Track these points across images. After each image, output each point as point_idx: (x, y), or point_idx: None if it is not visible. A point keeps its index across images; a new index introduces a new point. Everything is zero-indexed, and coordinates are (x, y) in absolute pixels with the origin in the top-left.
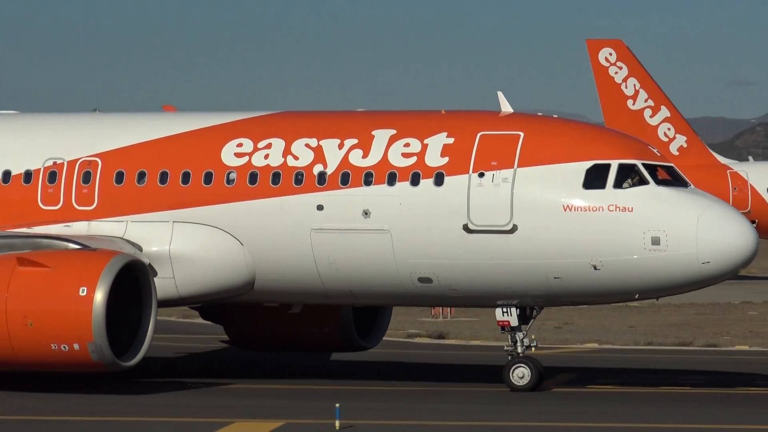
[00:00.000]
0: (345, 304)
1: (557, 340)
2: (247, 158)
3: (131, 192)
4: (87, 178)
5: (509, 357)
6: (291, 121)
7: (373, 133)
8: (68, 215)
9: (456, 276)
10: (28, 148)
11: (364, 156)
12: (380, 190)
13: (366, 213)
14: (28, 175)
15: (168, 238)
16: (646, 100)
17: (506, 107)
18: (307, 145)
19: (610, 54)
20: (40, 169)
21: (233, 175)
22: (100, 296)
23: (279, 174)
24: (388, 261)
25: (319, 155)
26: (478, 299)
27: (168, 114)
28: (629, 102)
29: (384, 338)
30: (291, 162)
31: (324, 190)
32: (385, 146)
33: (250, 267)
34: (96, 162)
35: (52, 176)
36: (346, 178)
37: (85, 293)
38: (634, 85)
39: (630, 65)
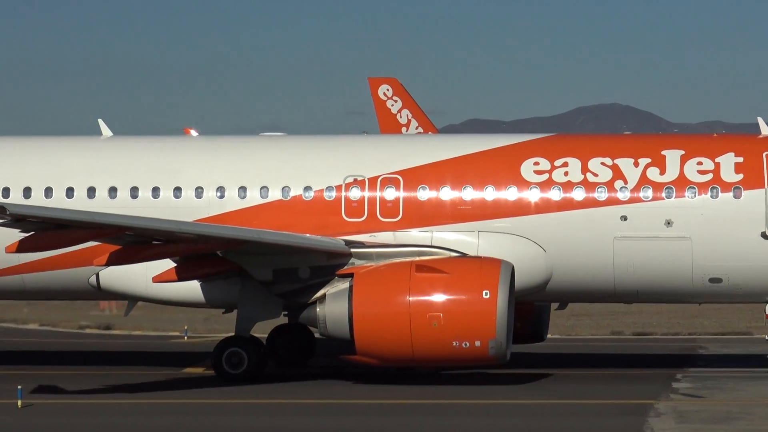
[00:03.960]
0: (619, 301)
1: None
2: (546, 175)
3: (435, 205)
4: (390, 193)
5: None
6: (577, 142)
7: (663, 153)
8: (373, 226)
9: (747, 276)
10: (327, 167)
11: (662, 173)
12: (682, 202)
13: (668, 222)
14: (329, 190)
15: (475, 245)
16: (417, 128)
17: (766, 130)
18: (603, 164)
19: (388, 90)
20: (341, 185)
21: (535, 190)
22: (502, 298)
23: (582, 188)
24: (684, 264)
25: (617, 172)
26: (755, 296)
27: (450, 136)
28: (403, 129)
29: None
30: (591, 178)
31: (627, 203)
32: (679, 164)
33: (549, 270)
34: (398, 179)
35: (354, 191)
36: (647, 191)
37: (488, 296)
38: (407, 115)
39: (404, 99)
